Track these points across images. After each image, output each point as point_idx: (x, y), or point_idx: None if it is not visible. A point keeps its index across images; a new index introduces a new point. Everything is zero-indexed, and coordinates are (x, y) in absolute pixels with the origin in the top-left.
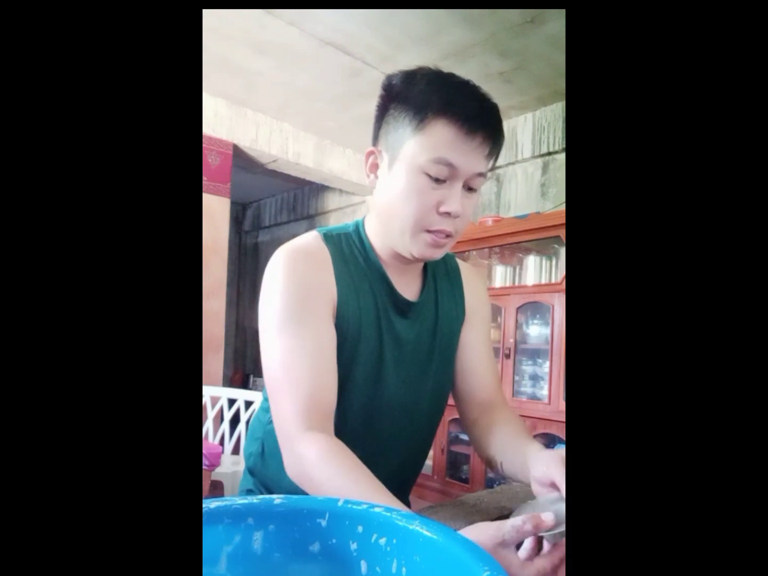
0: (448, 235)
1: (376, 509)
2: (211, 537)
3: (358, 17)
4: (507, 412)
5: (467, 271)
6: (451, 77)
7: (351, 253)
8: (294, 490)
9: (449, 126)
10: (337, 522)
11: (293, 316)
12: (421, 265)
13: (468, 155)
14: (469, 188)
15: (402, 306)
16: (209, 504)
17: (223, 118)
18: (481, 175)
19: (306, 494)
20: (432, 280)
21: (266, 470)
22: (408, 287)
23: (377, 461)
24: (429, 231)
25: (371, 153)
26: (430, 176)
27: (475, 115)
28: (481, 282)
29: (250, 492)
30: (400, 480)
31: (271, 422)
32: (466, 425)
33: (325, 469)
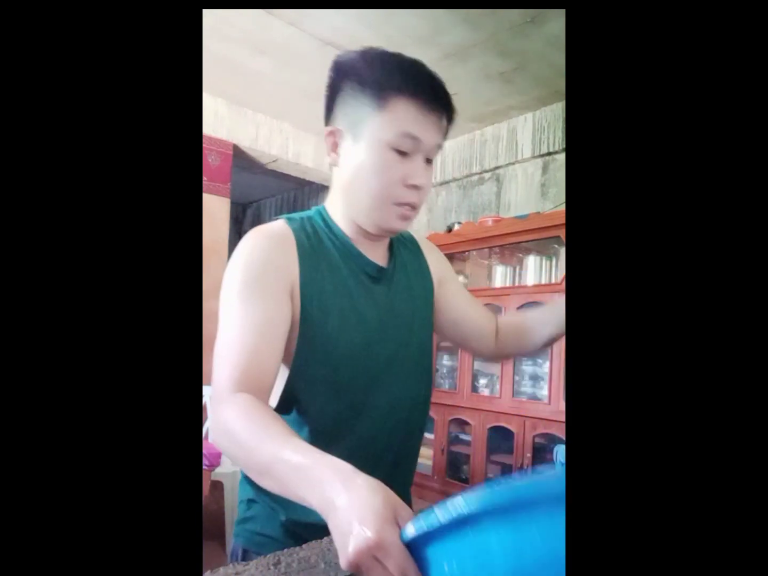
0: (413, 207)
1: None
2: None
3: (359, 17)
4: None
5: (424, 242)
6: (401, 56)
7: (314, 233)
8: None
9: (411, 103)
10: None
11: (246, 291)
12: (387, 241)
13: (429, 128)
14: (427, 160)
15: (373, 272)
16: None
17: (223, 118)
18: (439, 146)
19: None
20: (398, 252)
21: None
22: (376, 259)
23: (374, 434)
24: (396, 204)
25: (331, 133)
26: (396, 150)
27: (431, 91)
28: (436, 249)
29: (252, 501)
30: (396, 462)
31: None
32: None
33: (241, 421)
